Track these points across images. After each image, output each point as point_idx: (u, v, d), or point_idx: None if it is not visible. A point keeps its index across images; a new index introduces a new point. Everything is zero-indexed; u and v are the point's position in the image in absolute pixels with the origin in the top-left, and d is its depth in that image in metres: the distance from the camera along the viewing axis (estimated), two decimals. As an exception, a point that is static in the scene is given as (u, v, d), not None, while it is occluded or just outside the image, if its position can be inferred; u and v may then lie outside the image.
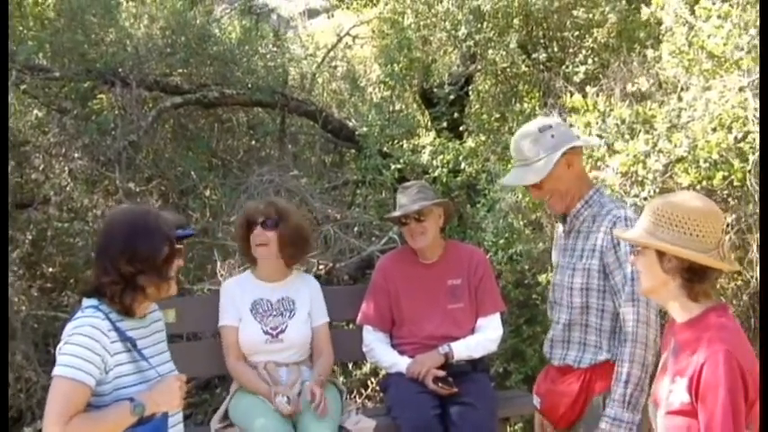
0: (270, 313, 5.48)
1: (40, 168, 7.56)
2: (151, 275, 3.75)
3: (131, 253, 3.69)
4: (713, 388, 3.15)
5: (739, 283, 6.24)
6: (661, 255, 3.39)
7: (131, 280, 3.72)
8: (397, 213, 5.68)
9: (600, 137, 5.99)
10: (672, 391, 3.35)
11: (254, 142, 9.99)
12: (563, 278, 4.55)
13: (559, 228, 4.78)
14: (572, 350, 4.51)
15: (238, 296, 5.53)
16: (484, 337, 5.62)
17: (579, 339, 4.48)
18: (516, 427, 7.05)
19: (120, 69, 8.38)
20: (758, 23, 5.41)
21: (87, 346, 3.58)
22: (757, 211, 5.99)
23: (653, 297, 3.70)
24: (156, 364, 3.85)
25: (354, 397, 6.86)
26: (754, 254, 6.04)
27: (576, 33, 8.61)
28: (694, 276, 3.36)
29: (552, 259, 4.90)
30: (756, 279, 6.13)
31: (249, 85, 8.83)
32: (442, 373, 5.40)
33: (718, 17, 5.76)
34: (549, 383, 4.59)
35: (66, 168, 7.79)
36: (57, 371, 3.55)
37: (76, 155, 7.94)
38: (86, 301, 3.77)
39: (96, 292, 3.77)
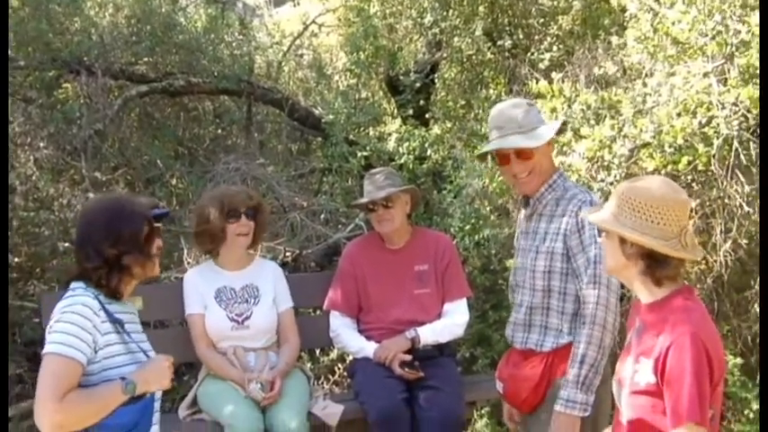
0: (234, 300, 5.48)
1: (6, 158, 7.52)
2: (135, 255, 3.77)
3: (115, 236, 3.72)
4: (680, 370, 3.17)
5: (703, 267, 6.27)
6: (623, 239, 3.41)
7: (116, 262, 3.74)
8: (364, 200, 5.69)
9: (566, 123, 6.02)
10: (637, 371, 3.36)
11: (220, 131, 9.98)
12: (525, 261, 4.55)
13: (521, 212, 4.79)
14: (533, 333, 4.50)
15: (201, 285, 5.52)
16: (450, 322, 5.64)
17: (541, 323, 4.47)
18: (483, 411, 7.08)
19: (85, 58, 8.35)
20: (722, 13, 5.44)
21: (79, 323, 3.57)
22: (721, 195, 6.05)
23: (617, 276, 3.73)
24: (145, 348, 3.86)
25: (322, 383, 6.87)
26: (718, 237, 6.09)
27: (542, 20, 8.65)
28: (654, 263, 3.36)
29: (515, 244, 4.90)
30: (719, 263, 6.18)
31: (215, 74, 8.80)
32: (408, 358, 5.41)
33: (683, 3, 5.80)
34: (512, 368, 4.57)
35: (32, 158, 7.77)
36: (49, 348, 3.53)
37: (42, 144, 7.92)
38: (75, 283, 3.77)
39: (81, 278, 3.77)
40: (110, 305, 3.75)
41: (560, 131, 4.87)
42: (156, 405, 3.86)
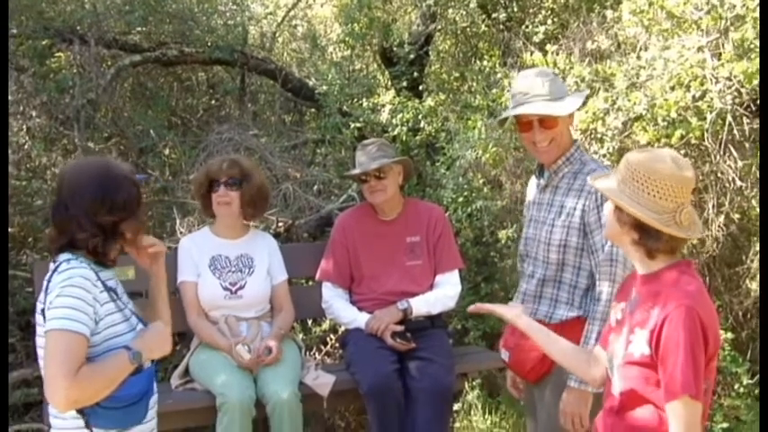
0: (228, 269, 5.50)
1: (-2, 127, 7.50)
2: (130, 221, 3.73)
3: (110, 203, 3.65)
4: (675, 343, 3.17)
5: (695, 242, 6.28)
6: (619, 208, 3.41)
7: (113, 229, 3.69)
8: (357, 171, 5.69)
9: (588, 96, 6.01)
10: (631, 342, 3.36)
11: (213, 101, 9.95)
12: (539, 233, 4.53)
13: (532, 181, 4.78)
14: (543, 305, 4.50)
15: (196, 252, 5.55)
16: (442, 294, 5.67)
17: (551, 295, 4.48)
18: (474, 383, 7.11)
19: (78, 27, 8.31)
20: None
21: (81, 296, 3.52)
22: (713, 170, 6.05)
23: (614, 242, 3.74)
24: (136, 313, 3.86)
25: (314, 353, 6.87)
26: (710, 212, 6.10)
27: (537, -7, 8.64)
28: (645, 235, 3.35)
29: (524, 213, 4.89)
30: (711, 238, 6.20)
31: (209, 44, 8.76)
32: (400, 329, 5.44)
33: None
34: (518, 337, 4.49)
35: (24, 127, 7.73)
36: (54, 324, 3.45)
37: (34, 113, 7.88)
38: (63, 255, 3.68)
39: (70, 247, 3.70)
40: (101, 273, 3.71)
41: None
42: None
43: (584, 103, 5.06)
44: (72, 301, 3.51)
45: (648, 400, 3.32)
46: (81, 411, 3.54)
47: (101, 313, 3.60)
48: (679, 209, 3.31)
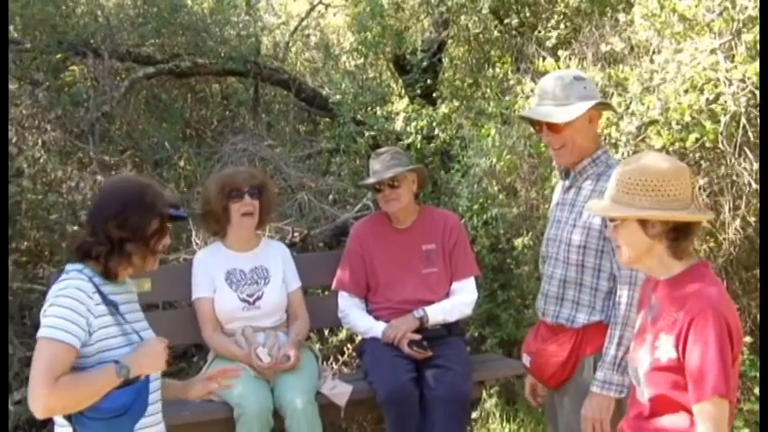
0: (245, 282, 5.51)
1: (13, 141, 7.51)
2: (139, 245, 3.77)
3: (122, 219, 3.72)
4: (703, 344, 3.17)
5: (711, 245, 6.26)
6: (643, 222, 3.39)
7: (119, 245, 3.73)
8: (371, 180, 5.69)
9: (607, 104, 5.99)
10: (657, 348, 3.35)
11: (227, 112, 9.98)
12: (560, 233, 4.51)
13: (559, 183, 4.76)
14: (565, 308, 4.46)
15: (211, 267, 5.55)
16: (459, 301, 5.66)
17: (573, 298, 4.44)
18: (492, 391, 7.09)
19: (91, 40, 8.36)
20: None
21: (72, 307, 3.58)
22: (729, 172, 6.02)
23: (637, 266, 3.68)
24: (139, 329, 3.86)
25: (331, 363, 6.88)
26: (726, 215, 6.07)
27: (548, -2, 8.63)
28: (680, 235, 3.36)
29: (548, 215, 4.87)
30: (728, 241, 6.17)
31: (222, 55, 8.81)
32: (417, 337, 5.43)
33: (689, -21, 5.77)
34: (540, 342, 4.55)
35: (40, 141, 7.75)
36: (42, 332, 3.54)
37: (49, 127, 7.90)
38: (70, 266, 3.77)
39: (81, 253, 3.77)
40: (105, 286, 3.76)
41: (605, 108, 4.84)
42: (155, 385, 3.87)
43: (608, 107, 4.98)
44: (62, 311, 3.58)
45: (679, 404, 3.31)
46: (69, 419, 3.61)
47: (94, 325, 3.65)
48: (695, 196, 3.35)
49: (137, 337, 3.81)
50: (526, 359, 4.66)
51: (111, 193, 3.88)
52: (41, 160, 7.62)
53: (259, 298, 5.49)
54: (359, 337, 6.08)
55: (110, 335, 3.70)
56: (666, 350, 3.32)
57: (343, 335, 7.04)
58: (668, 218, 3.33)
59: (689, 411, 3.27)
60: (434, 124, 7.85)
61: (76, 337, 3.56)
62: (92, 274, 3.74)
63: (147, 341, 3.83)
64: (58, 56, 8.29)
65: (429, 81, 8.66)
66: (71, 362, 3.57)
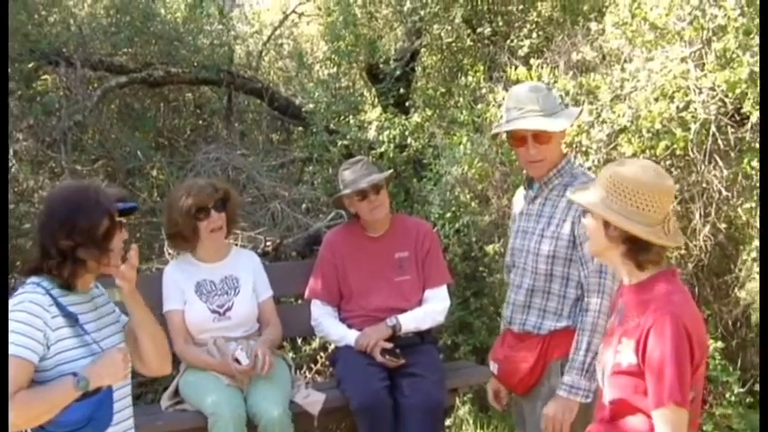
0: (215, 293, 5.50)
1: (-16, 150, 7.50)
2: (90, 248, 3.70)
3: (70, 227, 3.65)
4: (660, 351, 3.21)
5: (683, 252, 6.29)
6: (606, 222, 3.42)
7: (71, 253, 3.68)
8: (361, 186, 5.59)
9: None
10: (619, 352, 3.40)
11: (200, 121, 9.95)
12: (527, 243, 4.53)
13: (520, 193, 4.79)
14: (532, 316, 4.50)
15: (181, 279, 5.53)
16: (431, 309, 5.67)
17: (540, 306, 4.47)
18: (465, 398, 7.10)
19: (64, 49, 8.33)
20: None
21: (28, 322, 3.55)
22: (699, 180, 6.06)
23: (600, 259, 3.76)
24: (100, 339, 3.80)
25: (304, 372, 6.87)
26: (697, 222, 6.11)
27: (521, 7, 8.68)
28: (636, 247, 3.39)
29: (510, 224, 4.89)
30: (699, 248, 6.20)
31: (195, 64, 8.79)
32: (389, 346, 5.44)
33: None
34: (507, 349, 4.59)
35: (11, 150, 7.73)
36: None
37: (21, 136, 7.89)
38: (29, 279, 3.74)
39: (38, 269, 3.73)
40: (64, 298, 3.73)
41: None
42: (122, 393, 3.87)
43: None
44: (18, 326, 3.54)
45: (638, 408, 3.36)
46: None
47: (52, 338, 3.62)
48: (666, 219, 3.35)
49: (98, 347, 3.77)
50: (493, 366, 4.70)
51: (54, 204, 3.80)
52: (13, 170, 7.60)
53: (229, 309, 5.47)
54: (332, 346, 6.07)
55: (68, 347, 3.66)
56: (627, 355, 3.36)
57: (316, 343, 7.04)
58: (625, 227, 3.35)
59: (648, 416, 3.31)
60: (407, 133, 7.87)
61: (33, 351, 3.53)
62: (50, 287, 3.70)
63: (107, 351, 3.77)
64: (31, 65, 8.25)
65: (402, 90, 8.67)
66: (29, 377, 3.54)
